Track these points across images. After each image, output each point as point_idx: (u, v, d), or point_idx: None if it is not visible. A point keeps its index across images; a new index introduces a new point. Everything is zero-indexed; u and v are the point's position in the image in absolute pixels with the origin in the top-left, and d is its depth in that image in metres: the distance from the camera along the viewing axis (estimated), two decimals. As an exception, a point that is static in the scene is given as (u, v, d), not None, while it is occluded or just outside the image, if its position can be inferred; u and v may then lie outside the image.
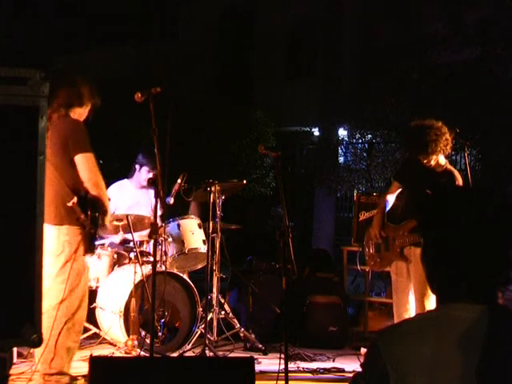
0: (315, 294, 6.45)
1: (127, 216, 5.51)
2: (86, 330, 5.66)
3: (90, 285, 5.70)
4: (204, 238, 5.91)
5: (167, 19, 17.62)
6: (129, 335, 5.34)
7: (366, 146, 11.48)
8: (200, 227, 5.97)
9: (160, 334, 5.48)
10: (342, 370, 5.38)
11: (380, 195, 6.62)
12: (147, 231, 5.74)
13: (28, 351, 5.07)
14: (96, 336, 5.75)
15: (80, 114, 4.56)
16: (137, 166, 6.34)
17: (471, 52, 9.60)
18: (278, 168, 4.63)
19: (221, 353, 5.61)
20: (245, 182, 6.36)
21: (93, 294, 5.76)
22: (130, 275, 5.44)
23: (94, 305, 5.72)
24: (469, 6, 9.77)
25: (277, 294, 6.18)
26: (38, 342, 1.78)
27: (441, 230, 1.72)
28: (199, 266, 6.21)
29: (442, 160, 4.90)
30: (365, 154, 10.98)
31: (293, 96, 15.41)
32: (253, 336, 5.93)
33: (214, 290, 5.82)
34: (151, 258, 5.04)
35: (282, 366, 4.06)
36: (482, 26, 9.49)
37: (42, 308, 1.84)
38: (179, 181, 5.89)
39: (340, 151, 11.66)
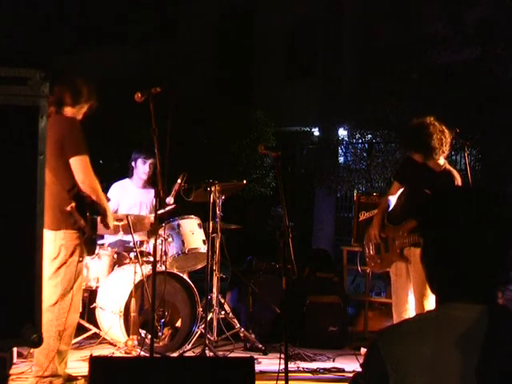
0: (315, 294, 6.45)
1: (127, 216, 5.51)
2: (86, 329, 5.67)
3: (90, 285, 5.71)
4: (204, 238, 5.91)
5: (167, 19, 17.61)
6: (129, 335, 5.34)
7: (366, 146, 11.48)
8: (200, 227, 5.98)
9: (160, 334, 5.49)
10: (342, 370, 5.38)
11: (380, 195, 6.62)
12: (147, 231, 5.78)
13: (28, 351, 5.08)
14: (96, 336, 5.75)
15: (73, 113, 4.52)
16: (132, 164, 6.42)
17: (471, 52, 9.60)
18: (277, 168, 4.63)
19: (221, 353, 5.61)
20: (245, 182, 6.37)
21: (93, 294, 5.77)
22: (130, 275, 5.44)
23: (94, 305, 5.72)
24: (469, 6, 9.77)
25: (277, 293, 6.18)
26: (37, 342, 1.78)
27: (441, 231, 1.72)
28: (199, 266, 6.22)
29: (441, 160, 4.90)
30: (365, 154, 10.98)
31: (293, 96, 15.41)
32: (253, 336, 5.93)
33: (214, 289, 5.82)
34: (151, 258, 5.04)
35: (282, 366, 4.06)
36: (482, 26, 9.49)
37: (42, 308, 1.84)
38: (179, 181, 5.89)
39: (340, 151, 11.65)
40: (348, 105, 11.22)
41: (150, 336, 4.62)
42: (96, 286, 5.77)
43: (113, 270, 5.91)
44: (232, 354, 5.62)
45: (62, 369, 4.42)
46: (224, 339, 5.89)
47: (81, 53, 17.26)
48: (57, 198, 4.30)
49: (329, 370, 5.40)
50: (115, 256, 6.01)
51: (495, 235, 1.68)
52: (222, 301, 5.95)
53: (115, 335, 5.56)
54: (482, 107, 8.91)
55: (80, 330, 5.38)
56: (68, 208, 4.31)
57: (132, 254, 5.81)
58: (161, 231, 5.59)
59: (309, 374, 5.31)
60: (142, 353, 5.18)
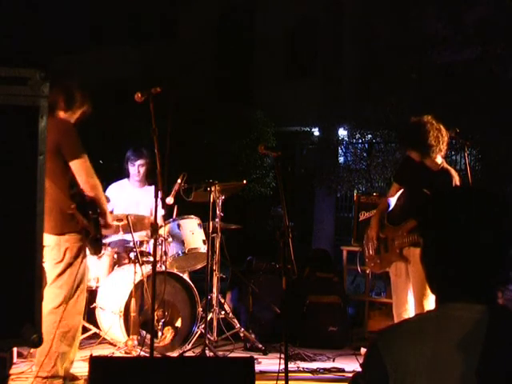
0: (315, 294, 6.45)
1: (127, 216, 5.52)
2: (86, 329, 5.67)
3: (90, 285, 5.71)
4: (204, 238, 5.91)
5: (167, 19, 17.61)
6: (129, 335, 5.34)
7: (366, 146, 11.47)
8: (200, 227, 5.98)
9: (160, 334, 5.49)
10: (342, 370, 5.38)
11: (380, 195, 6.62)
12: (147, 231, 5.77)
13: (28, 351, 5.08)
14: (96, 336, 5.75)
15: (66, 118, 4.53)
16: (126, 166, 6.42)
17: (471, 52, 9.60)
18: (277, 168, 4.63)
19: (221, 353, 5.61)
20: (245, 182, 6.38)
21: (93, 294, 5.77)
22: (130, 275, 5.44)
23: (93, 305, 5.72)
24: (469, 6, 9.76)
25: (277, 293, 6.18)
26: (37, 342, 1.78)
27: (440, 231, 1.72)
28: (199, 266, 6.22)
29: (439, 158, 4.89)
30: (365, 154, 10.97)
31: (293, 96, 15.41)
32: (253, 336, 5.93)
33: (214, 289, 5.82)
34: (151, 258, 5.04)
35: (282, 366, 4.06)
36: (481, 26, 9.48)
37: (42, 308, 1.84)
38: (179, 181, 5.89)
39: (340, 151, 11.65)
40: (348, 105, 11.21)
41: (150, 336, 4.62)
42: (96, 286, 5.77)
43: (113, 270, 5.91)
44: (232, 354, 5.62)
45: (64, 370, 4.42)
46: (224, 339, 5.89)
47: (81, 53, 17.26)
48: (57, 201, 4.31)
49: (329, 370, 5.40)
50: (115, 256, 6.01)
51: (495, 235, 1.68)
52: (222, 301, 5.95)
53: (115, 335, 5.56)
54: (481, 107, 8.90)
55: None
56: (70, 210, 4.32)
57: (132, 254, 5.81)
58: (161, 231, 5.59)
59: (309, 374, 5.31)
60: (142, 353, 5.18)
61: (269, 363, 5.37)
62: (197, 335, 5.69)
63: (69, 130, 4.43)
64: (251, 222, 12.45)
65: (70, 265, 4.39)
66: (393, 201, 5.19)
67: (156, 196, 4.39)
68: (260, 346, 5.80)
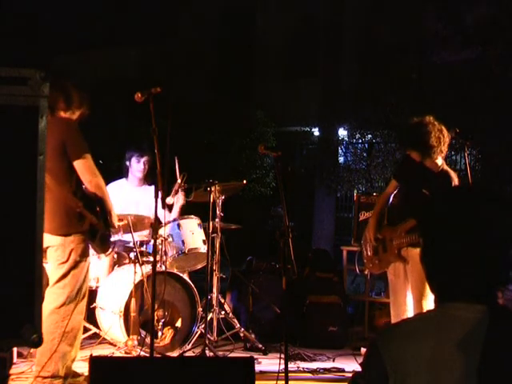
0: (315, 294, 6.45)
1: (127, 216, 5.51)
2: (86, 329, 5.67)
3: (90, 285, 5.69)
4: (204, 238, 5.91)
5: (167, 19, 17.60)
6: (129, 335, 5.34)
7: (366, 146, 11.48)
8: (200, 227, 5.98)
9: (160, 334, 5.49)
10: (342, 370, 5.38)
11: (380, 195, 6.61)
12: (147, 231, 5.78)
13: (28, 351, 5.08)
14: (96, 336, 5.75)
15: (67, 117, 4.54)
16: (127, 163, 6.38)
17: (471, 52, 9.60)
18: (277, 168, 4.63)
19: (221, 353, 5.61)
20: (245, 182, 6.37)
21: (93, 294, 5.77)
22: (130, 275, 5.44)
23: (93, 305, 5.72)
24: (469, 6, 9.76)
25: (277, 294, 6.18)
26: (38, 342, 1.78)
27: (440, 231, 1.72)
28: (199, 266, 6.21)
29: (439, 160, 4.89)
30: (365, 154, 10.98)
31: (293, 96, 15.41)
32: (253, 336, 5.93)
33: (214, 289, 5.82)
34: (151, 258, 5.04)
35: (282, 366, 4.06)
36: (481, 26, 9.48)
37: (42, 308, 1.84)
38: (179, 181, 5.89)
39: (340, 151, 11.65)
40: (348, 105, 11.21)
41: (150, 336, 4.62)
42: (96, 285, 5.76)
43: (113, 269, 5.91)
44: (232, 354, 5.62)
45: (65, 369, 4.42)
46: (224, 339, 5.89)
47: (81, 53, 17.26)
48: (62, 202, 4.31)
49: (329, 370, 5.39)
50: (115, 256, 6.01)
51: (495, 235, 1.68)
52: (222, 301, 5.95)
53: (115, 335, 5.56)
54: (482, 107, 8.90)
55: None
56: (78, 209, 4.33)
57: (132, 254, 5.81)
58: (161, 231, 5.59)
59: (309, 374, 5.31)
60: (142, 353, 5.18)
61: (269, 363, 5.37)
62: (197, 335, 5.68)
63: (72, 129, 4.44)
64: (251, 222, 12.45)
65: (74, 266, 4.41)
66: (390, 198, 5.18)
67: (156, 196, 4.39)
68: (260, 345, 5.80)
